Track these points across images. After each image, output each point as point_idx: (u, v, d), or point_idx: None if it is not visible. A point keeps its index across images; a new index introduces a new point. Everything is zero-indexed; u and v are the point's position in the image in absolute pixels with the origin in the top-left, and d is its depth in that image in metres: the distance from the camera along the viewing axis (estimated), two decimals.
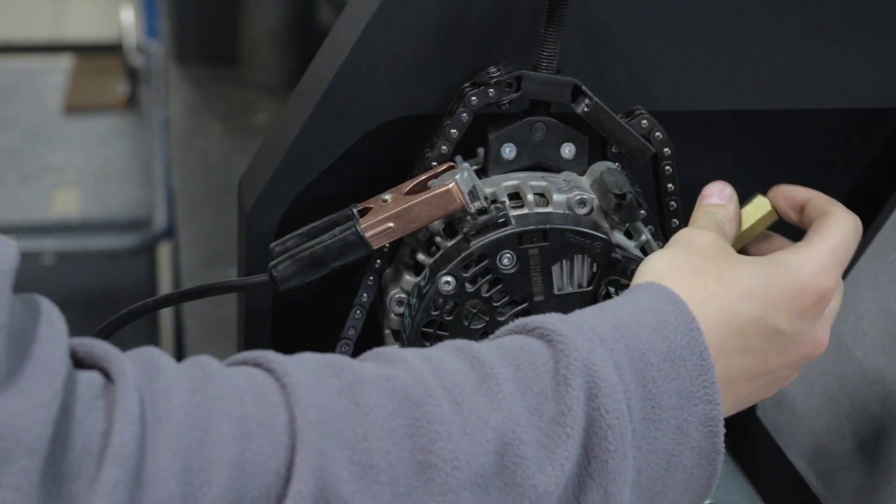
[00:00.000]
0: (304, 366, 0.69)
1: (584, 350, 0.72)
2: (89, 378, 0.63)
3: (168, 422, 0.63)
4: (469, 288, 0.87)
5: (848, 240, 0.85)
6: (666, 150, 0.92)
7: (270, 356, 0.69)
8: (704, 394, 0.75)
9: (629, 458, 0.71)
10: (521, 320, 0.76)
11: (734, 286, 0.79)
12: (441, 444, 0.67)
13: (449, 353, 0.73)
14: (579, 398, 0.70)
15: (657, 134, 0.92)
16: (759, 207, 0.91)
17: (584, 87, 0.89)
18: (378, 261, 0.93)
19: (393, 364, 0.71)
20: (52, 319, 0.65)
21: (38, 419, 0.59)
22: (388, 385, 0.68)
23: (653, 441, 0.73)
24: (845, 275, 1.03)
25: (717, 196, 0.89)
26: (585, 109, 0.90)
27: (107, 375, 0.64)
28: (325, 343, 0.95)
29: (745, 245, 0.92)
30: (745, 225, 0.91)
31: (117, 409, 0.62)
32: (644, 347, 0.74)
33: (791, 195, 0.91)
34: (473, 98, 0.89)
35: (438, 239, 0.89)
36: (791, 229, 1.05)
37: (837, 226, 0.85)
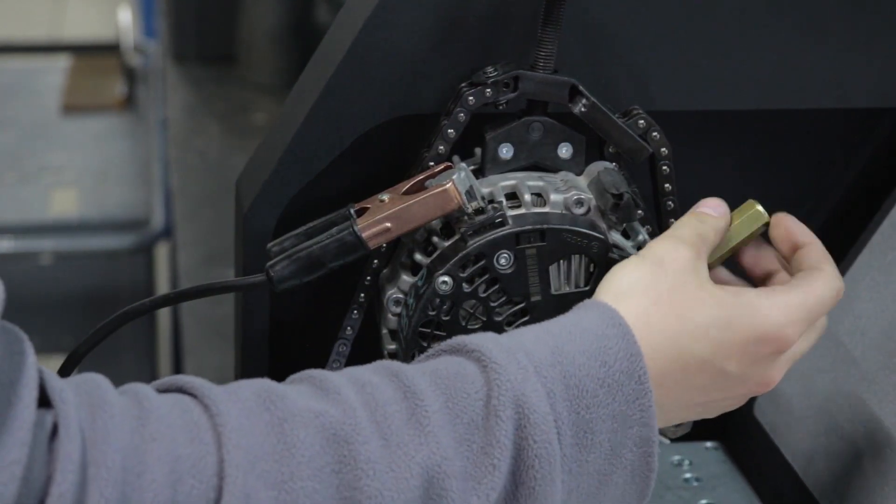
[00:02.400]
0: (237, 399, 0.70)
1: (517, 380, 0.73)
2: (43, 421, 0.65)
3: (105, 467, 0.64)
4: (466, 288, 0.87)
5: (826, 303, 0.84)
6: (663, 149, 0.92)
7: (206, 388, 0.70)
8: (640, 417, 0.76)
9: (557, 482, 0.73)
10: (461, 339, 0.77)
11: (691, 324, 0.79)
12: (366, 481, 0.69)
13: (384, 379, 0.74)
14: (508, 430, 0.72)
15: (654, 134, 0.92)
16: (751, 212, 0.89)
17: (581, 87, 0.89)
18: (375, 261, 0.93)
19: (326, 396, 0.72)
20: (26, 356, 0.66)
21: (14, 475, 0.62)
22: (318, 422, 0.70)
23: (584, 464, 0.75)
24: (843, 275, 1.03)
25: (713, 209, 0.87)
26: (582, 109, 0.90)
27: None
28: (322, 343, 0.95)
29: (737, 249, 0.90)
30: (736, 230, 0.89)
31: (59, 458, 0.63)
32: (581, 374, 0.75)
33: (792, 231, 0.88)
34: (471, 98, 0.89)
35: (436, 239, 0.89)
36: None
37: (822, 285, 0.84)
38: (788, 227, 0.88)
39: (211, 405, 0.69)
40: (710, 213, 0.87)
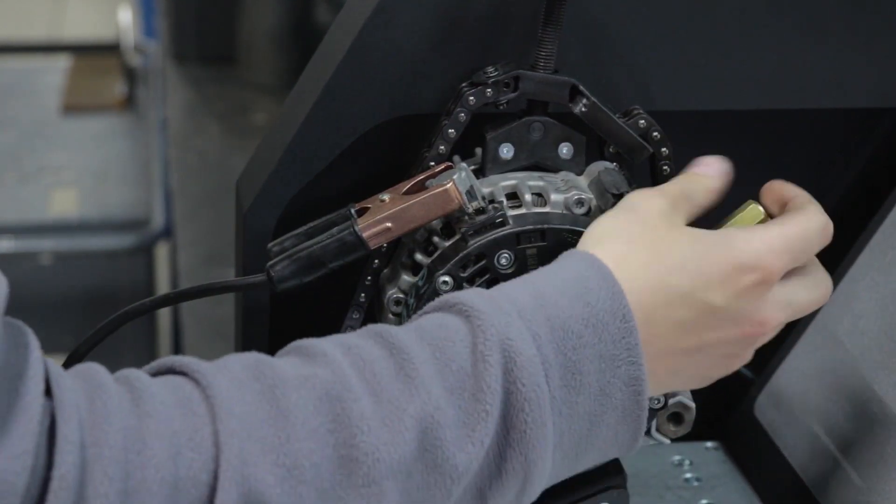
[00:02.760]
0: (227, 372, 0.71)
1: (501, 325, 0.74)
2: (43, 408, 0.65)
3: (107, 446, 0.65)
4: (467, 288, 0.87)
5: (808, 233, 0.83)
6: (664, 149, 0.92)
7: (194, 364, 0.72)
8: (627, 356, 0.76)
9: (548, 425, 0.73)
10: (444, 297, 0.78)
11: (668, 258, 0.79)
12: (361, 437, 0.69)
13: (368, 340, 0.74)
14: (496, 374, 0.72)
15: (655, 134, 0.92)
16: (751, 213, 0.89)
17: (581, 87, 0.89)
18: (376, 261, 0.93)
19: (313, 360, 0.73)
20: (31, 349, 0.67)
21: (26, 466, 0.63)
22: (308, 384, 0.70)
23: (574, 405, 0.75)
24: (843, 275, 1.03)
25: (707, 167, 0.87)
26: (583, 109, 0.90)
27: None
28: None
29: None
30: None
31: (58, 441, 0.64)
32: (564, 315, 0.75)
33: (777, 189, 0.88)
34: (471, 98, 0.89)
35: (436, 239, 0.89)
36: None
37: (802, 217, 0.84)
38: (773, 187, 0.88)
39: (201, 379, 0.70)
40: (703, 173, 0.87)
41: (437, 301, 0.78)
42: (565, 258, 0.80)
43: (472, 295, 0.77)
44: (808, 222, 0.83)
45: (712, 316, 0.80)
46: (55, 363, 0.68)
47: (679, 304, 0.79)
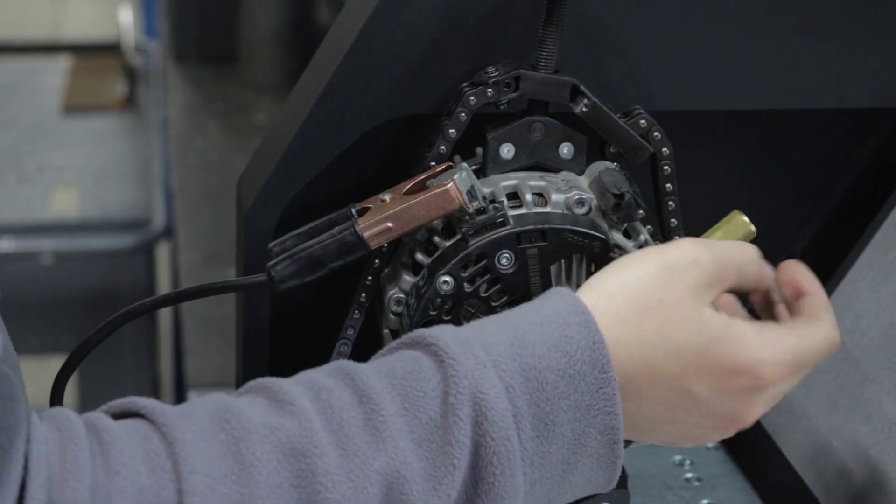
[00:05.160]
0: (192, 421, 0.70)
1: (475, 376, 0.73)
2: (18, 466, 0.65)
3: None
4: (467, 288, 0.87)
5: (817, 355, 0.80)
6: (664, 149, 0.92)
7: (158, 410, 0.71)
8: (604, 405, 0.75)
9: (517, 476, 0.73)
10: (420, 332, 0.76)
11: (667, 344, 0.76)
12: (325, 493, 0.69)
13: (339, 382, 0.73)
14: (466, 428, 0.72)
15: (655, 134, 0.92)
16: (737, 225, 0.87)
17: (582, 87, 0.89)
18: (377, 261, 0.93)
19: (281, 408, 0.72)
20: (18, 401, 0.67)
21: None
22: (274, 437, 0.70)
23: (546, 455, 0.74)
24: (844, 275, 1.03)
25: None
26: (584, 109, 0.90)
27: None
28: (323, 343, 0.95)
29: None
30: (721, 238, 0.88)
31: (26, 497, 0.64)
32: (541, 366, 0.74)
33: (798, 279, 0.82)
34: (472, 98, 0.89)
35: (437, 239, 0.89)
36: (774, 244, 1.04)
37: (817, 330, 0.80)
38: (795, 273, 0.83)
39: (167, 432, 0.70)
40: (764, 270, 0.82)
41: (414, 335, 0.77)
42: (551, 298, 0.78)
43: (449, 337, 0.75)
44: (822, 340, 0.80)
45: (691, 402, 0.78)
46: (33, 412, 0.68)
47: (663, 383, 0.77)
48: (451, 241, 0.88)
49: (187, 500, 0.67)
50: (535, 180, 0.90)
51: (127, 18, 3.07)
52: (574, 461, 0.75)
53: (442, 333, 0.75)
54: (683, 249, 0.79)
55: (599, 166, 0.91)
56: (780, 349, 0.77)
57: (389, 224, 0.86)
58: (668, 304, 0.77)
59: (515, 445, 0.73)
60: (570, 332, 0.75)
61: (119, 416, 0.72)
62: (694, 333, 0.77)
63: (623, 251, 0.88)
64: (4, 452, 0.64)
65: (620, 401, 0.75)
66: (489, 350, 0.74)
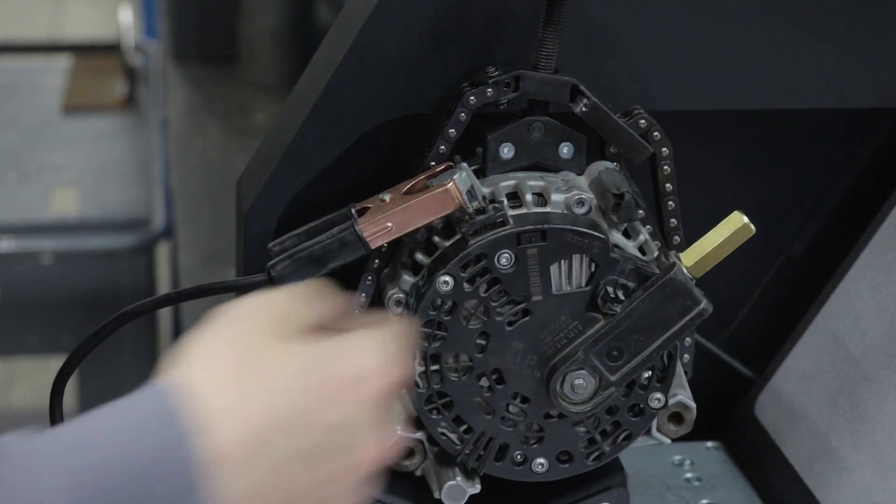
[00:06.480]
0: None
1: (28, 479, 0.65)
2: None
3: None
4: (467, 288, 0.87)
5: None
6: (664, 149, 0.92)
7: None
8: None
9: None
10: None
11: (275, 380, 0.71)
12: None
13: None
14: None
15: (655, 134, 0.92)
16: (737, 225, 0.87)
17: (582, 87, 0.89)
18: (376, 260, 0.93)
19: None
20: None
21: None
22: None
23: None
24: (844, 275, 1.03)
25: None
26: (584, 109, 0.90)
27: None
28: None
29: (720, 257, 0.87)
30: (718, 239, 0.88)
31: None
32: (108, 470, 0.66)
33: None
34: (472, 98, 0.89)
35: (437, 239, 0.89)
36: (774, 244, 1.04)
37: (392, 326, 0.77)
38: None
39: None
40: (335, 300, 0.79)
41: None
42: (147, 388, 0.70)
43: (16, 440, 0.67)
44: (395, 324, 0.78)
45: (329, 440, 0.71)
46: None
47: (295, 430, 0.70)
48: (451, 241, 0.88)
49: None
50: (535, 180, 0.90)
51: (127, 18, 3.07)
52: None
53: (11, 438, 0.67)
54: (242, 303, 0.78)
55: (599, 166, 0.91)
56: (371, 342, 0.74)
57: (389, 224, 0.86)
58: (255, 347, 0.73)
59: None
60: (150, 424, 0.68)
61: None
62: (294, 366, 0.72)
63: (622, 251, 0.88)
64: None
65: (250, 490, 0.68)
66: (45, 453, 0.66)
